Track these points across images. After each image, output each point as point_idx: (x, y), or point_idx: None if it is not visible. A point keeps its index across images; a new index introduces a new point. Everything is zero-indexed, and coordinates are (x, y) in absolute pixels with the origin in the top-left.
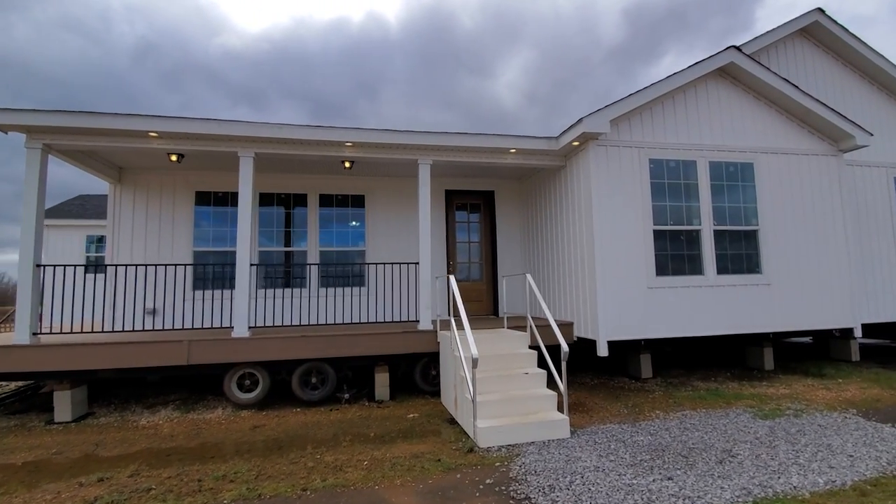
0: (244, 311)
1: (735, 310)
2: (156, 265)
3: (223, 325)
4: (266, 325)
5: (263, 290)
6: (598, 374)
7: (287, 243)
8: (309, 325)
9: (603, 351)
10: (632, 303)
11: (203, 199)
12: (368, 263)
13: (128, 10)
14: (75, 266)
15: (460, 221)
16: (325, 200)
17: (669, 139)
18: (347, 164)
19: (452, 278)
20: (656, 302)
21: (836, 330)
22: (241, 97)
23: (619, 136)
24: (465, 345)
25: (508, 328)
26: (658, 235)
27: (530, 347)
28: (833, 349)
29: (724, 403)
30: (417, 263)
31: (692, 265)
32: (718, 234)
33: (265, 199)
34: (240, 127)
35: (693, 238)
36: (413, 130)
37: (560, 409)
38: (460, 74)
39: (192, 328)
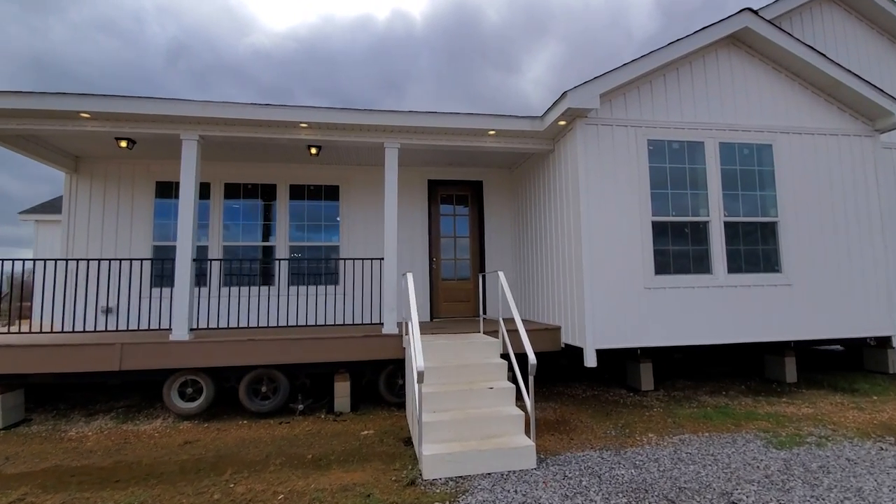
0: (184, 311)
1: (748, 314)
2: (110, 259)
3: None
4: (230, 326)
5: (228, 289)
6: (592, 385)
7: (256, 238)
8: (276, 326)
9: (591, 361)
10: (626, 305)
11: (164, 190)
12: (336, 259)
13: (159, 11)
14: (24, 260)
15: (446, 214)
16: (297, 192)
17: (672, 117)
18: (314, 151)
19: (410, 277)
20: (655, 304)
21: (871, 338)
22: (270, 96)
23: (613, 114)
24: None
25: (485, 332)
26: (658, 228)
27: (503, 356)
28: (868, 359)
29: (732, 425)
30: (382, 259)
31: (698, 262)
32: (730, 227)
33: (231, 191)
34: (181, 106)
35: (700, 231)
36: (376, 110)
37: (528, 431)
38: (486, 70)
39: (149, 329)
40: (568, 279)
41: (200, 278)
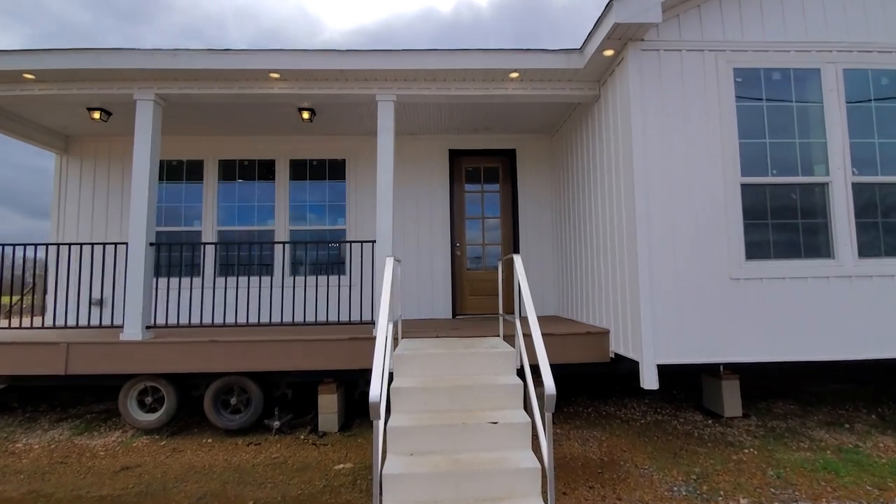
0: (136, 306)
1: (891, 317)
2: (92, 244)
3: (179, 323)
4: (225, 322)
5: (224, 279)
6: (655, 404)
7: (252, 221)
8: (272, 324)
9: (649, 381)
10: (702, 303)
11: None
12: (330, 243)
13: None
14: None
15: (471, 191)
16: (299, 169)
17: (772, 35)
18: (305, 115)
19: (390, 262)
20: (747, 302)
21: None
22: None
23: (682, 34)
24: (400, 365)
25: (507, 337)
26: (751, 193)
27: (520, 373)
28: None
29: (873, 486)
30: (373, 242)
31: (812, 243)
32: (861, 191)
33: (227, 169)
34: (125, 57)
35: (814, 197)
36: (362, 50)
37: (545, 493)
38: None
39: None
40: (618, 268)
41: (193, 268)
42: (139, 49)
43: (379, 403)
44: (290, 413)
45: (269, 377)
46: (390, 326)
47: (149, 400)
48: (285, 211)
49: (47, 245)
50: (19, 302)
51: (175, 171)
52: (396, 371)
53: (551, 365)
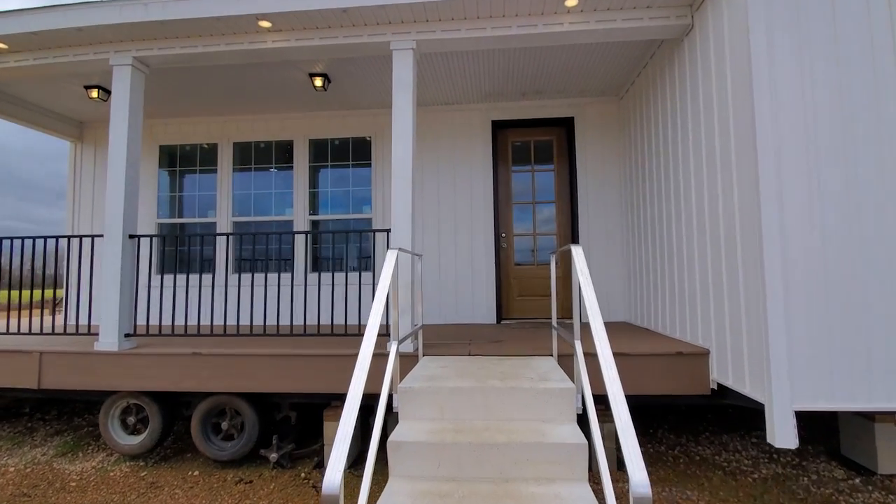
0: (113, 309)
1: None
2: (93, 236)
3: (188, 328)
4: (239, 325)
5: (237, 276)
6: (769, 447)
7: (269, 211)
8: (276, 334)
9: (785, 436)
10: (872, 318)
11: (169, 155)
12: (340, 233)
13: None
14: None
15: (519, 170)
16: (319, 151)
17: None
18: (318, 82)
19: (393, 257)
20: None
21: None
22: None
23: None
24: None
25: (560, 358)
26: None
27: (581, 417)
28: None
29: None
30: (388, 231)
31: None
32: None
33: (242, 153)
34: (92, 12)
35: None
36: None
37: None
38: None
39: (146, 329)
40: (724, 264)
41: (204, 264)
42: (106, 1)
43: (335, 498)
44: (291, 441)
45: (269, 397)
46: (394, 347)
47: (132, 420)
48: (304, 199)
49: (57, 238)
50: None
51: (189, 158)
52: (402, 411)
53: (626, 396)
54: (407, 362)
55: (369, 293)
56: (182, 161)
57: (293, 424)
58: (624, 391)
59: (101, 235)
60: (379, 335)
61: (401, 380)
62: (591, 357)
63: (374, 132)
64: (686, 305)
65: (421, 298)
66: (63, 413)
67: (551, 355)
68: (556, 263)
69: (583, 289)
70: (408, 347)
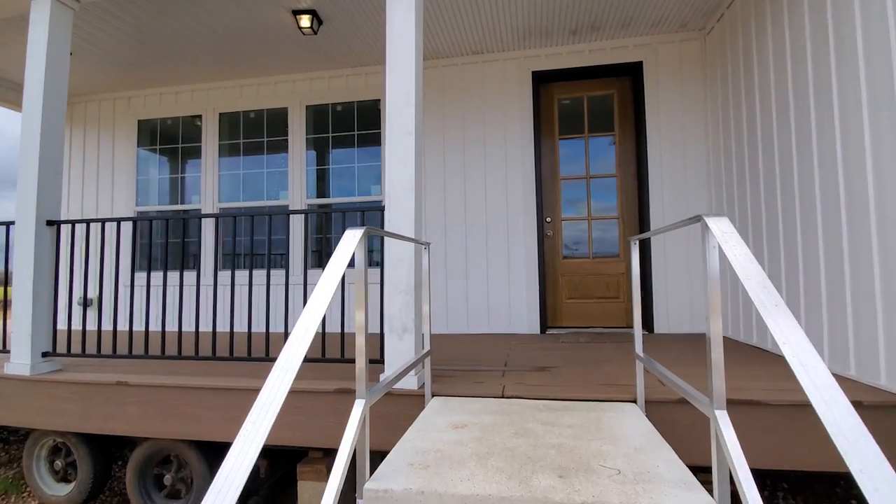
0: (25, 320)
1: None
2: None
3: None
4: (232, 332)
5: (228, 274)
6: None
7: (262, 194)
8: (246, 357)
9: None
10: None
11: (149, 132)
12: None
13: None
14: None
15: (569, 136)
16: (319, 121)
17: None
18: (305, 22)
19: (351, 241)
20: None
21: None
22: None
23: None
24: None
25: (652, 405)
26: None
27: None
28: None
29: None
30: (381, 210)
31: None
32: None
33: (230, 127)
34: None
35: None
36: None
37: None
38: None
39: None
40: None
41: (190, 258)
42: None
43: None
44: (260, 501)
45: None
46: (358, 411)
47: (60, 464)
48: (301, 178)
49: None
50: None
51: (171, 134)
52: None
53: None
54: (404, 407)
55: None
56: (163, 138)
57: (262, 477)
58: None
59: (13, 222)
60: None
61: (382, 450)
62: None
63: (383, 93)
64: (848, 321)
65: (429, 308)
66: (13, 440)
67: (633, 401)
68: (631, 256)
69: (750, 285)
70: (409, 382)
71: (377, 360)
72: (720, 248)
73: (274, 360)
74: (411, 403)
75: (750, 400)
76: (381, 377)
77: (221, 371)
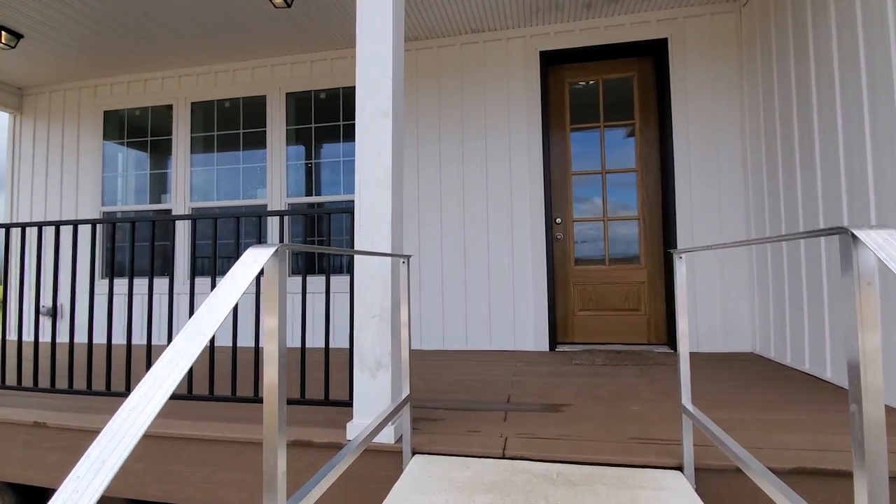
0: None
1: None
2: (40, 225)
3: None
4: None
5: (207, 280)
6: None
7: (237, 193)
8: (188, 395)
9: None
10: None
11: (116, 124)
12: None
13: None
14: None
15: (582, 126)
16: (301, 110)
17: None
18: None
19: (254, 263)
20: None
21: None
22: None
23: None
24: None
25: (701, 474)
26: None
27: None
28: None
29: None
30: (348, 213)
31: None
32: None
33: (203, 116)
34: None
35: None
36: None
37: None
38: None
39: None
40: None
41: (164, 265)
42: None
43: None
44: None
45: None
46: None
47: None
48: (281, 175)
49: None
50: None
51: (139, 126)
52: None
53: None
54: (376, 466)
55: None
56: (131, 131)
57: None
58: None
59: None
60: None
61: None
62: None
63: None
64: None
65: (408, 334)
66: None
67: (679, 467)
68: (662, 264)
69: None
70: (384, 435)
71: (344, 403)
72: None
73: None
74: (385, 463)
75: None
76: (349, 427)
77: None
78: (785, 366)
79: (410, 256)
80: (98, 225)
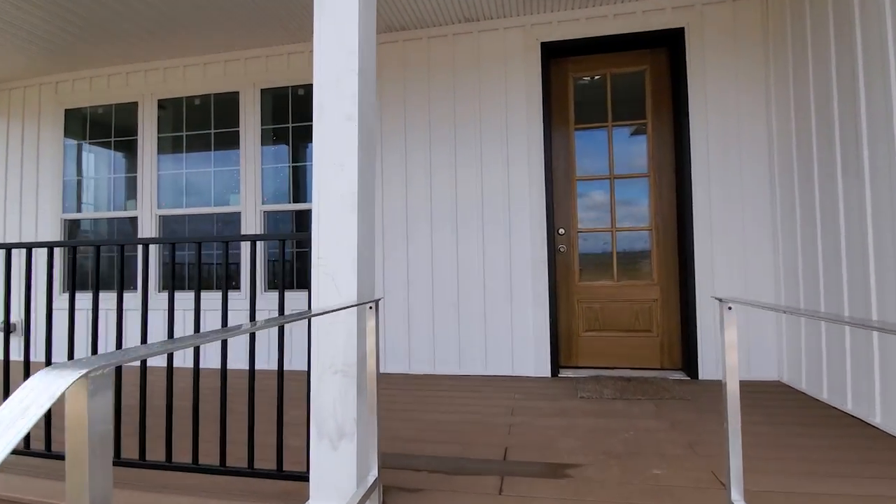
0: None
1: None
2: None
3: None
4: (173, 369)
5: (183, 295)
6: None
7: (209, 200)
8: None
9: None
10: None
11: (79, 124)
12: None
13: None
14: None
15: (587, 125)
16: (277, 106)
17: None
18: None
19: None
20: None
21: None
22: None
23: None
24: None
25: None
26: None
27: None
28: None
29: None
30: (295, 238)
31: None
32: None
33: (172, 117)
34: None
35: None
36: None
37: None
38: None
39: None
40: None
41: (130, 279)
42: None
43: None
44: None
45: None
46: None
47: None
48: (256, 180)
49: None
50: None
51: (103, 125)
52: None
53: None
54: None
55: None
56: (94, 131)
57: None
58: None
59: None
60: None
61: None
62: None
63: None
64: None
65: (375, 393)
66: None
67: None
68: (695, 277)
69: None
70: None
71: (299, 476)
72: None
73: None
74: None
75: None
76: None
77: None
78: (821, 402)
79: (380, 299)
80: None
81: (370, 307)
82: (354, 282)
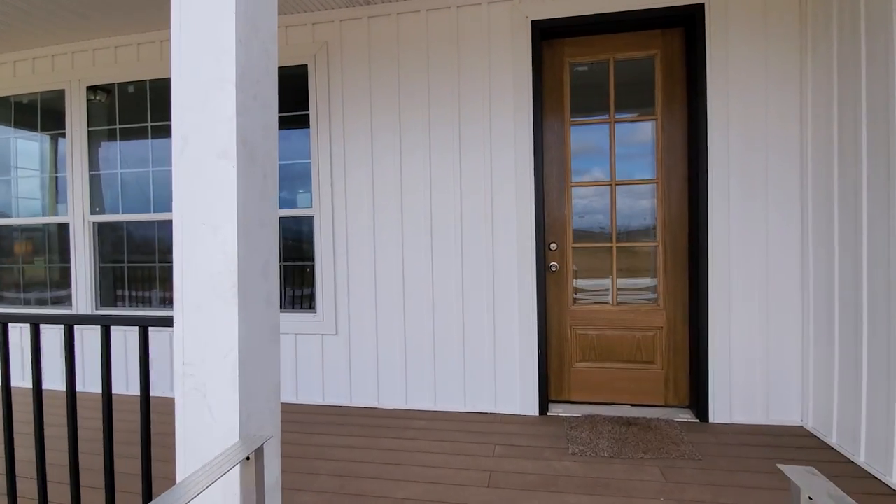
0: None
1: None
2: None
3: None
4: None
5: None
6: None
7: (147, 205)
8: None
9: None
10: None
11: (1, 115)
12: None
13: None
14: None
15: (584, 119)
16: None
17: None
18: None
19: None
20: None
21: None
22: None
23: None
24: None
25: None
26: None
27: None
28: None
29: None
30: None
31: None
32: None
33: (106, 106)
34: None
35: None
36: None
37: None
38: None
39: None
40: None
41: (63, 295)
42: None
43: None
44: None
45: None
46: None
47: None
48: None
49: None
50: None
51: (28, 117)
52: None
53: None
54: None
55: (320, 352)
56: (18, 123)
57: None
58: None
59: None
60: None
61: None
62: None
63: (312, 55)
64: None
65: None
66: None
67: None
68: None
69: None
70: None
71: None
72: None
73: None
74: None
75: None
76: None
77: None
78: (854, 464)
79: (270, 438)
80: None
81: (247, 457)
82: (236, 402)
